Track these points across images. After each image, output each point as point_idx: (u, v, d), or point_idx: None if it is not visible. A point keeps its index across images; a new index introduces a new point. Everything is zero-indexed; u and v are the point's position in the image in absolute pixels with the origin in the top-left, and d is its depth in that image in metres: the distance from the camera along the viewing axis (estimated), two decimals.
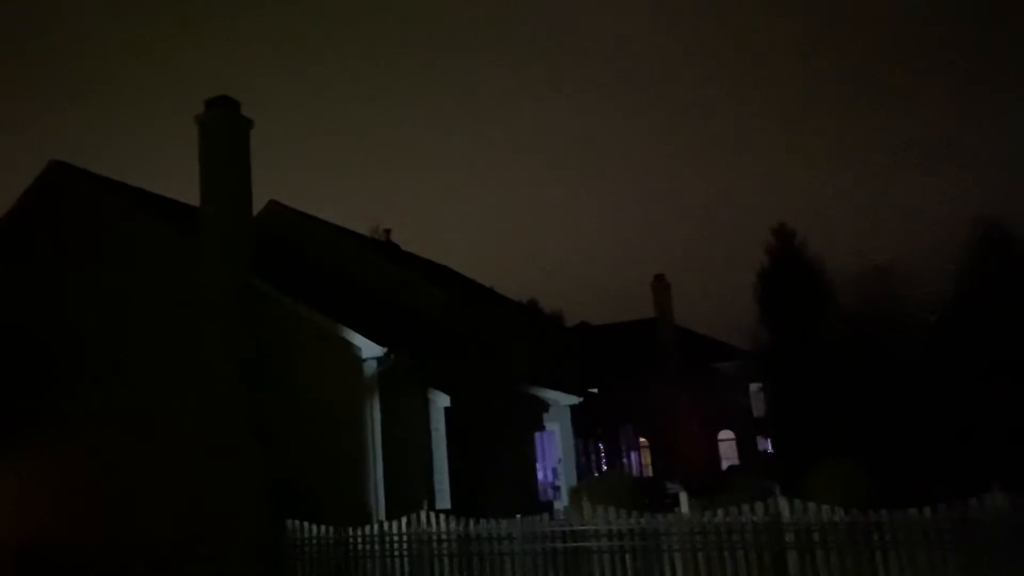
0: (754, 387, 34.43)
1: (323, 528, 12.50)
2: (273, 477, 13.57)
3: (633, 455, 27.74)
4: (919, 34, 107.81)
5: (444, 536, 11.71)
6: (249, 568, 12.71)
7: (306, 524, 12.61)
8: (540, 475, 19.53)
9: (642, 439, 32.97)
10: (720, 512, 10.51)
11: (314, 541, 12.50)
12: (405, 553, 11.89)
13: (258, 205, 21.11)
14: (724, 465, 35.05)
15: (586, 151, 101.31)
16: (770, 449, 30.84)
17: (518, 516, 11.35)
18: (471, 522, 11.63)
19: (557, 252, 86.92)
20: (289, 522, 12.71)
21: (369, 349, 14.23)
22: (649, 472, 32.60)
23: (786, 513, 10.11)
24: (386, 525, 12.24)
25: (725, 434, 36.56)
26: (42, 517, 14.94)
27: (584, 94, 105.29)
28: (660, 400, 33.32)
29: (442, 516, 11.92)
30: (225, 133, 15.50)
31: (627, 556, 10.74)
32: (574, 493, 14.09)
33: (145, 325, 15.41)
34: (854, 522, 9.73)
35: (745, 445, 35.67)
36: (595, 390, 33.26)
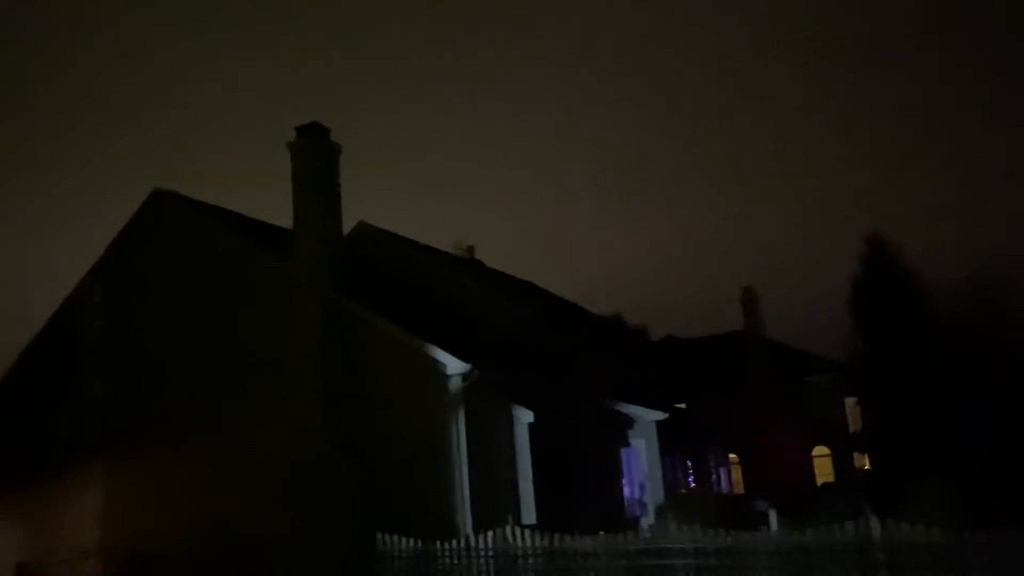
0: (850, 401, 33.36)
1: (411, 541, 12.76)
2: (363, 490, 13.99)
3: (722, 472, 27.24)
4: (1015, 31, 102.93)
5: (529, 552, 11.81)
6: None
7: (395, 537, 12.89)
8: (627, 491, 19.42)
9: (732, 455, 32.32)
10: (809, 531, 10.29)
11: (403, 554, 12.76)
12: (492, 568, 12.03)
13: (348, 225, 21.87)
14: (819, 482, 34.00)
15: (675, 162, 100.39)
16: (868, 466, 29.80)
17: (601, 533, 11.37)
18: (556, 538, 11.71)
19: (643, 265, 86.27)
20: (379, 535, 13.02)
21: (454, 365, 14.51)
22: (739, 489, 31.91)
23: (877, 533, 9.82)
24: (472, 540, 12.42)
25: (820, 450, 35.48)
26: (148, 523, 15.75)
27: (667, 106, 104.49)
28: (750, 415, 32.61)
29: (527, 531, 12.03)
30: (315, 158, 16.14)
31: (713, 575, 10.61)
32: (660, 510, 14.02)
33: (242, 342, 16.09)
34: (949, 543, 9.38)
35: (841, 462, 34.54)
36: (683, 405, 32.84)
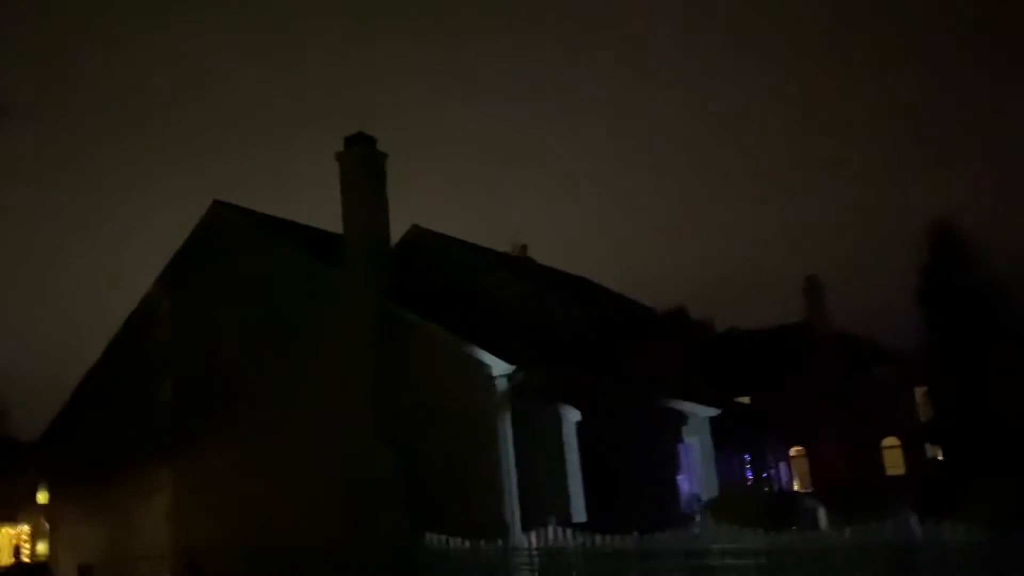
0: (920, 390, 32.45)
1: (458, 541, 13.06)
2: (413, 490, 14.38)
3: (782, 467, 26.79)
4: None
5: (572, 551, 11.99)
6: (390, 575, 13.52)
7: (442, 537, 13.21)
8: (680, 489, 19.39)
9: (794, 449, 31.82)
10: (848, 531, 10.21)
11: (451, 553, 13.08)
12: (536, 567, 12.25)
13: (402, 228, 22.33)
14: (891, 474, 33.22)
15: (737, 152, 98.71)
16: (941, 456, 28.96)
17: (635, 533, 11.46)
18: (597, 537, 11.86)
19: (710, 257, 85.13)
20: (428, 535, 13.35)
21: (499, 367, 14.74)
22: (804, 484, 31.43)
23: (918, 532, 9.69)
24: (516, 539, 12.66)
25: (890, 441, 34.63)
26: (212, 525, 16.49)
27: (729, 95, 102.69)
28: (814, 407, 32.02)
29: (569, 531, 12.21)
30: (362, 168, 16.57)
31: (755, 575, 10.61)
32: (706, 509, 14.01)
33: (294, 347, 16.63)
34: (990, 544, 9.20)
35: (912, 453, 33.65)
36: (746, 399, 32.46)
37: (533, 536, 12.44)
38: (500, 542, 12.72)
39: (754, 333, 39.12)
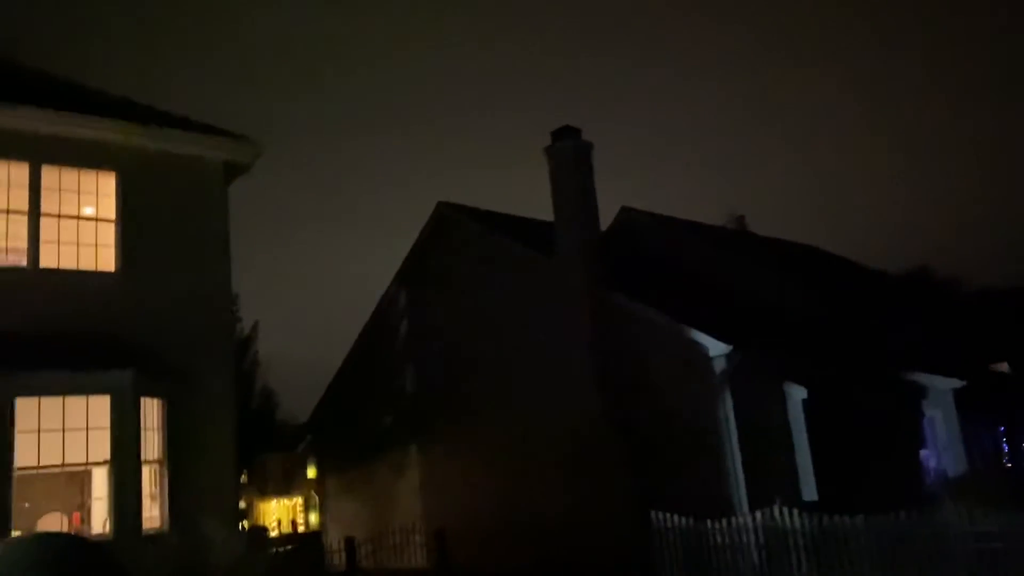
0: None
1: (684, 519, 13.34)
2: (638, 468, 14.84)
3: None
4: None
5: (797, 530, 11.91)
6: (621, 551, 14.08)
7: (668, 514, 13.55)
8: (923, 466, 18.26)
9: None
10: None
11: (675, 530, 13.39)
12: (761, 546, 12.29)
13: (613, 211, 22.76)
14: None
15: (979, 91, 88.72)
16: None
17: (871, 513, 11.15)
18: (823, 517, 11.69)
19: (960, 209, 77.57)
20: (653, 513, 13.74)
21: (716, 348, 14.76)
22: None
23: None
24: (740, 519, 12.74)
25: None
26: (450, 499, 18.02)
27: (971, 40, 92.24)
28: None
29: (795, 511, 12.11)
30: (569, 159, 17.15)
31: (991, 558, 10.02)
32: (947, 489, 13.27)
33: (522, 333, 17.59)
34: None
35: None
36: (1003, 365, 29.54)
37: (759, 515, 12.45)
38: (724, 521, 12.85)
39: (1011, 291, 35.41)
